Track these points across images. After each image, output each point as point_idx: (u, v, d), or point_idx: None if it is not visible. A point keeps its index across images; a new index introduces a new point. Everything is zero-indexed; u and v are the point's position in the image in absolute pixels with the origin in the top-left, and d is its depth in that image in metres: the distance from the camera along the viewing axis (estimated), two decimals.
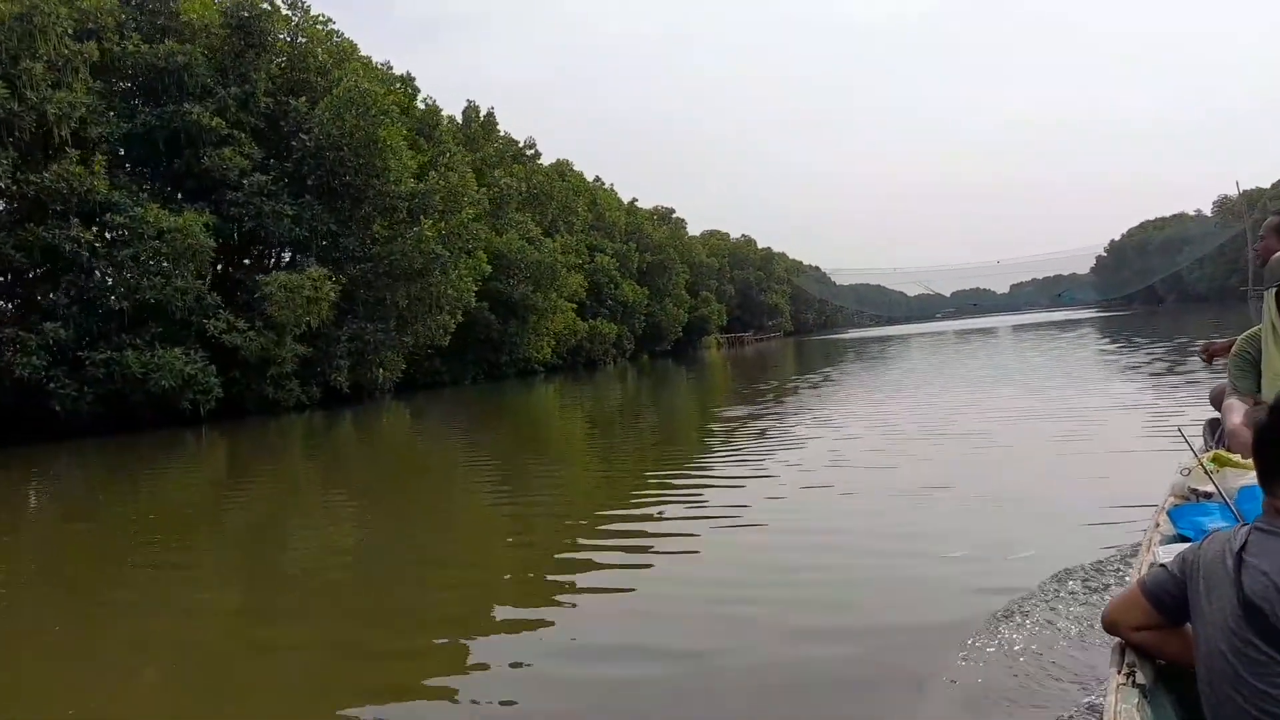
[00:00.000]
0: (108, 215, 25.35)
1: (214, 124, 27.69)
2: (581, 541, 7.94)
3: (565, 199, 55.30)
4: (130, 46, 26.90)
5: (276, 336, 28.19)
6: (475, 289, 36.71)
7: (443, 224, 31.89)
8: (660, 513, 8.81)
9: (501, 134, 56.08)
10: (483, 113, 53.05)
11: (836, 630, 4.91)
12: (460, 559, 8.19)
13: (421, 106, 43.96)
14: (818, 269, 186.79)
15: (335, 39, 33.98)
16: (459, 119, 52.59)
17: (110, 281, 25.31)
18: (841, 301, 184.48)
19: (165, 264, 25.84)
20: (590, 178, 71.86)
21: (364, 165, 30.27)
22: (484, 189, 44.33)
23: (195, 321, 26.96)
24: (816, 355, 55.26)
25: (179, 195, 28.36)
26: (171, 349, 25.83)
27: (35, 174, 24.12)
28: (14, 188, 23.75)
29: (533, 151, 57.24)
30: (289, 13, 31.83)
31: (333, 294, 28.22)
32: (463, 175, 33.59)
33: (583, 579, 6.60)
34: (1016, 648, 4.16)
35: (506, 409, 31.09)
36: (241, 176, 28.35)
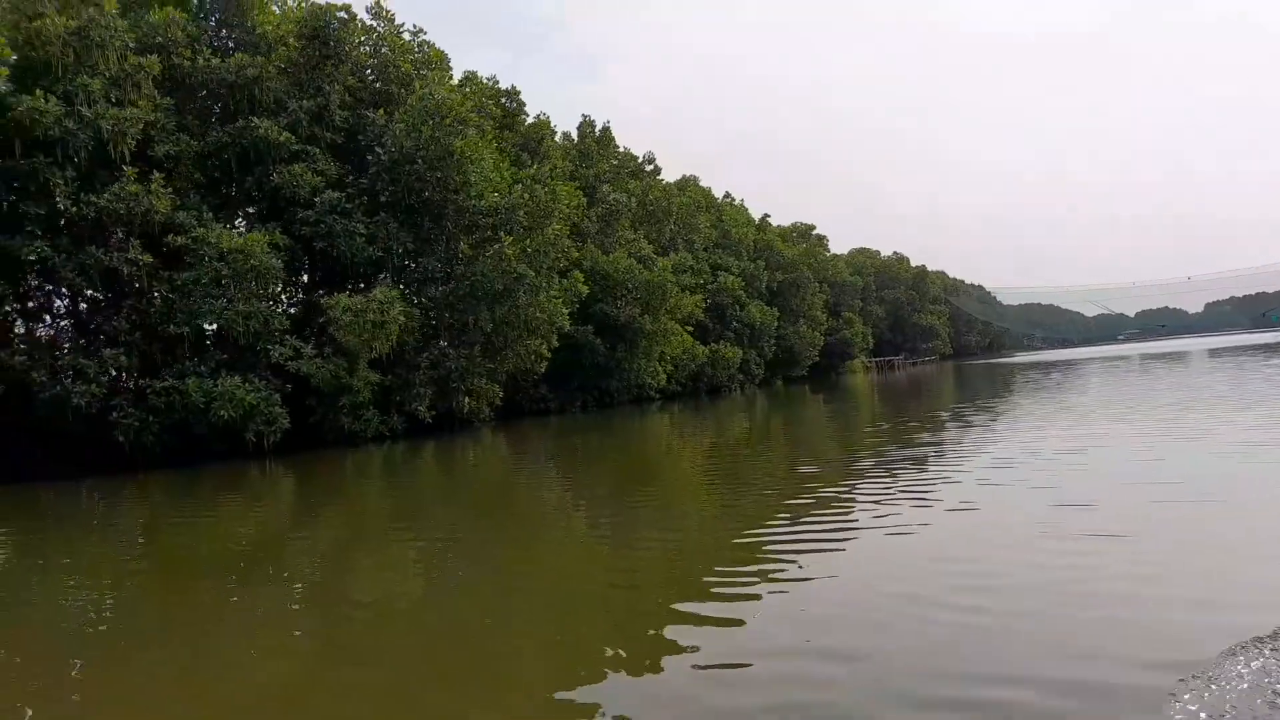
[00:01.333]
0: (170, 236, 24.21)
1: (283, 139, 26.26)
2: (685, 591, 7.22)
3: (685, 215, 52.20)
4: (201, 61, 25.88)
5: (348, 363, 26.37)
6: (570, 311, 34.05)
7: (528, 241, 29.36)
8: (794, 563, 7.80)
9: (621, 149, 53.78)
10: (599, 127, 50.79)
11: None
12: (546, 604, 7.50)
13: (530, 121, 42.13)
14: (980, 288, 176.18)
15: (423, 49, 32.33)
16: (574, 134, 50.68)
17: (171, 306, 24.08)
18: (1007, 323, 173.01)
19: (227, 287, 24.43)
20: (719, 194, 68.66)
21: (441, 179, 28.18)
22: (594, 206, 41.92)
23: (263, 348, 25.47)
24: (979, 381, 49.85)
25: (249, 215, 27.07)
26: (232, 377, 24.34)
27: (96, 195, 23.20)
28: (74, 209, 22.89)
29: (651, 167, 54.60)
30: (372, 23, 30.38)
31: (401, 317, 26.08)
32: (552, 189, 30.99)
33: (690, 635, 5.91)
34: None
35: (613, 438, 28.83)
36: (313, 194, 26.81)
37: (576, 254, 34.10)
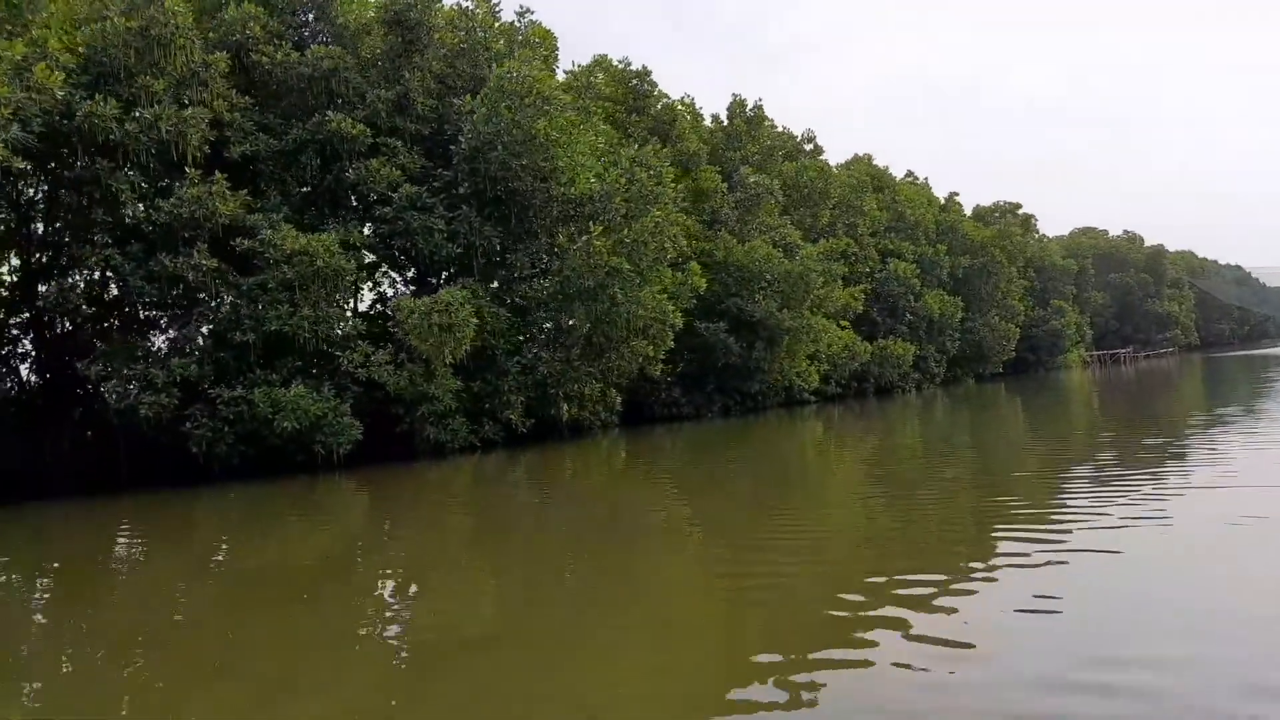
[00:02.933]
0: (238, 240, 23.24)
1: (356, 132, 24.70)
2: (821, 633, 6.92)
3: (847, 197, 47.14)
4: (280, 56, 24.80)
5: (425, 369, 24.50)
6: (688, 307, 30.68)
7: (626, 231, 26.26)
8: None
9: (779, 129, 49.50)
10: (749, 106, 46.80)
11: None
12: (643, 641, 7.26)
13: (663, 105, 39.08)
14: (1237, 268, 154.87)
15: (526, 29, 29.98)
16: (724, 116, 47.01)
17: (239, 312, 23.09)
18: (1270, 309, 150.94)
19: (294, 291, 23.16)
20: (900, 174, 62.39)
21: (527, 167, 25.65)
22: (733, 191, 38.29)
23: (335, 355, 24.09)
24: (1227, 377, 42.38)
25: (325, 214, 25.76)
26: (297, 386, 23.06)
27: (164, 200, 22.56)
28: (142, 214, 22.36)
29: (811, 146, 49.81)
30: (466, 3, 28.36)
31: (474, 319, 23.79)
32: (657, 173, 27.67)
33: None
34: None
35: (746, 446, 26.83)
36: (392, 189, 25.12)
37: (689, 243, 30.50)
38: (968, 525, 11.36)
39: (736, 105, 46.84)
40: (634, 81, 39.05)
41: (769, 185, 38.43)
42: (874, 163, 58.89)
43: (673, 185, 28.45)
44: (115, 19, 21.71)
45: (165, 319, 24.29)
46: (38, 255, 24.23)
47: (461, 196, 25.76)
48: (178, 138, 22.14)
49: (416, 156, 26.27)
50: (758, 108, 47.03)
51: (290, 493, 21.18)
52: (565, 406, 27.97)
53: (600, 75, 39.48)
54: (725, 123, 46.73)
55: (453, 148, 25.84)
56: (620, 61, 39.58)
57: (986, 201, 72.20)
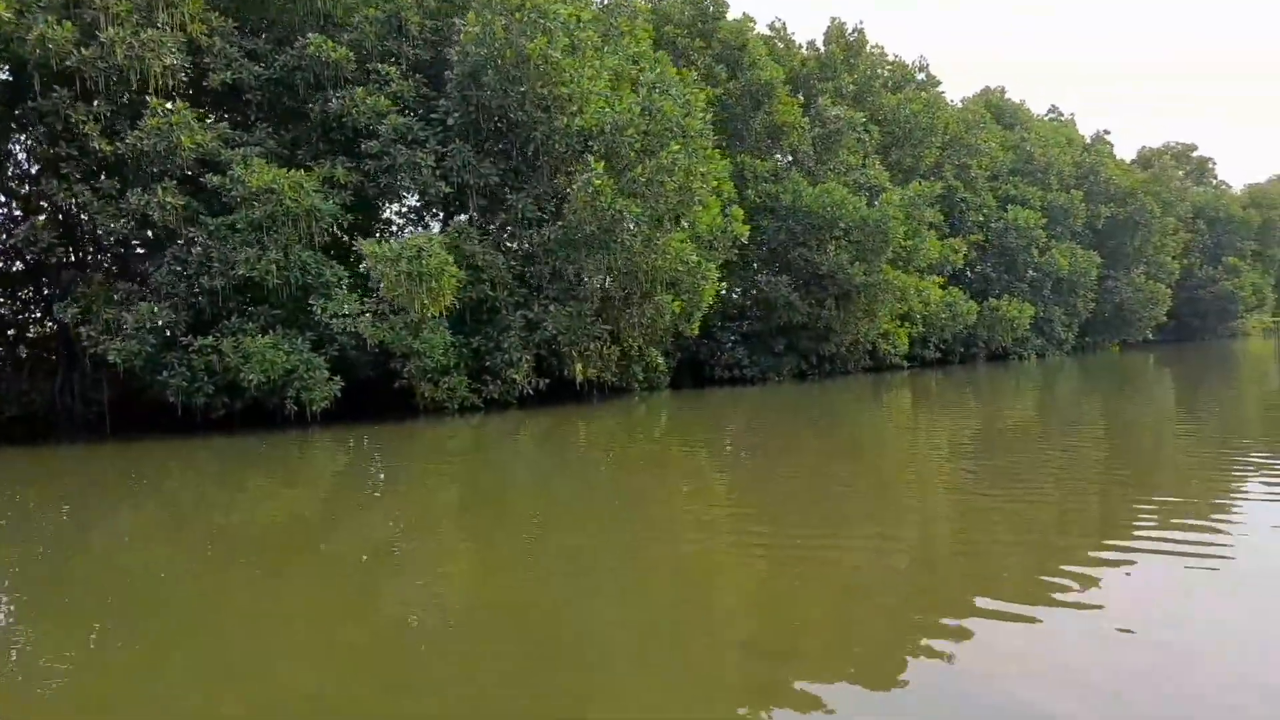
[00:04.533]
0: (207, 176, 21.52)
1: (336, 55, 22.35)
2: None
3: (960, 134, 41.39)
4: None
5: (412, 322, 22.22)
6: (725, 258, 27.01)
7: (639, 169, 22.82)
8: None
9: (890, 58, 44.13)
10: (850, 31, 41.63)
11: None
12: (635, 625, 6.89)
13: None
14: None
15: None
16: (820, 43, 42.08)
17: (211, 255, 21.42)
18: None
19: (263, 232, 21.27)
20: (1042, 110, 55.08)
21: (526, 94, 22.59)
22: (814, 127, 33.99)
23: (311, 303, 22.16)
24: None
25: (320, 150, 23.67)
26: (262, 335, 21.30)
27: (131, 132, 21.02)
28: (108, 149, 20.91)
29: (924, 75, 44.04)
30: None
31: (449, 267, 21.18)
32: (680, 100, 23.93)
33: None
34: None
35: (812, 416, 23.73)
36: (377, 120, 22.72)
37: (751, 185, 26.53)
38: (1085, 527, 9.74)
39: (834, 30, 41.78)
40: (704, 3, 35.00)
41: (851, 119, 33.68)
42: (1006, 96, 52.08)
43: (702, 115, 24.58)
44: None
45: (139, 261, 23.00)
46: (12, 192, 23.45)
47: (455, 129, 23.03)
48: (135, 63, 20.43)
49: (414, 85, 23.71)
50: (858, 32, 41.81)
51: (264, 449, 19.81)
52: (579, 366, 25.10)
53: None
54: (820, 50, 41.84)
55: (447, 74, 23.07)
56: None
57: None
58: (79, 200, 21.42)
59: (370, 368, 24.90)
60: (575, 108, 22.79)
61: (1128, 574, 7.74)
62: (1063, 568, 7.83)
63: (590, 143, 23.36)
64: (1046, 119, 54.97)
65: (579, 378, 25.44)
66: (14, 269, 26.09)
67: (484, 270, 23.40)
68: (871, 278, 31.18)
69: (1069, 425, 19.90)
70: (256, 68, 23.02)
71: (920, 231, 33.93)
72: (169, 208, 20.99)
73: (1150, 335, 53.80)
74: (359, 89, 22.79)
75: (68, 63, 20.10)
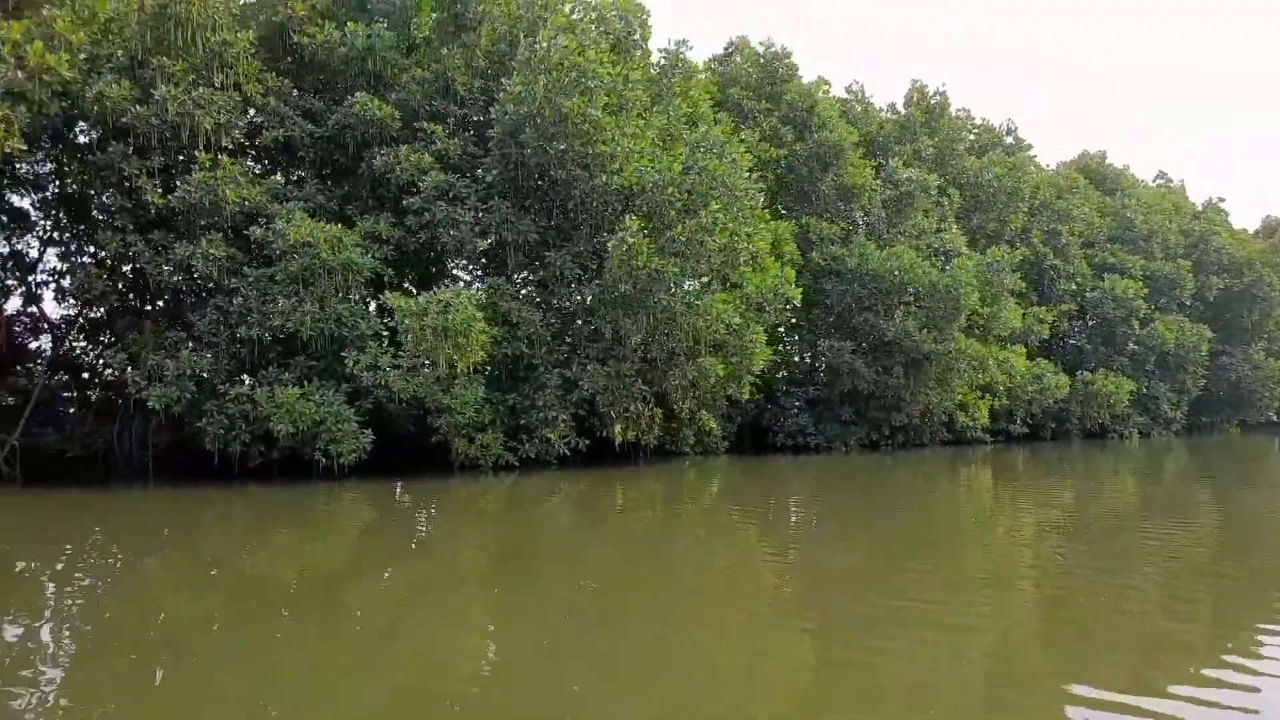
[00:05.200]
0: (251, 229, 21.94)
1: (382, 114, 22.65)
2: None
3: (1052, 199, 39.30)
4: (321, 37, 23.34)
5: (440, 377, 21.90)
6: (775, 322, 25.86)
7: (679, 229, 22.11)
8: None
9: (978, 121, 42.72)
10: (931, 94, 40.47)
11: None
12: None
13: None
14: None
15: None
16: (900, 106, 41.04)
17: (250, 305, 21.73)
18: None
19: (300, 285, 21.46)
20: (1147, 176, 52.10)
21: (565, 152, 22.33)
22: (887, 189, 32.88)
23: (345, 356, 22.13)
24: None
25: (369, 205, 23.95)
26: (293, 387, 21.31)
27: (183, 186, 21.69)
28: (159, 201, 21.58)
29: (1011, 139, 42.25)
30: None
31: (477, 323, 20.79)
32: (730, 161, 23.20)
33: None
34: None
35: (875, 490, 22.34)
36: (419, 176, 22.83)
37: (775, 245, 25.45)
38: (1192, 627, 8.45)
39: (915, 92, 40.68)
40: (773, 65, 34.55)
41: (924, 181, 32.29)
42: (1107, 161, 49.50)
43: (748, 175, 23.75)
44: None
45: (188, 310, 23.52)
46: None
47: (496, 186, 22.93)
48: (186, 120, 21.14)
49: (460, 144, 23.81)
50: (941, 95, 40.58)
51: (292, 500, 19.67)
52: (618, 427, 24.24)
53: (738, 59, 35.43)
54: (900, 112, 40.75)
55: (489, 133, 23.08)
56: (762, 44, 35.24)
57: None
58: (133, 250, 22.15)
59: (410, 422, 24.73)
60: (616, 166, 22.35)
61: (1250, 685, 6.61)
62: (1168, 682, 6.74)
63: (632, 201, 22.84)
64: (1153, 185, 51.93)
65: (618, 439, 24.57)
66: (95, 315, 27.16)
67: (519, 327, 22.97)
68: (942, 346, 29.39)
69: (1174, 512, 17.78)
70: (310, 125, 23.58)
71: (999, 298, 31.96)
72: (212, 259, 21.43)
73: (1275, 416, 49.24)
74: (404, 146, 23.00)
75: (124, 119, 20.95)
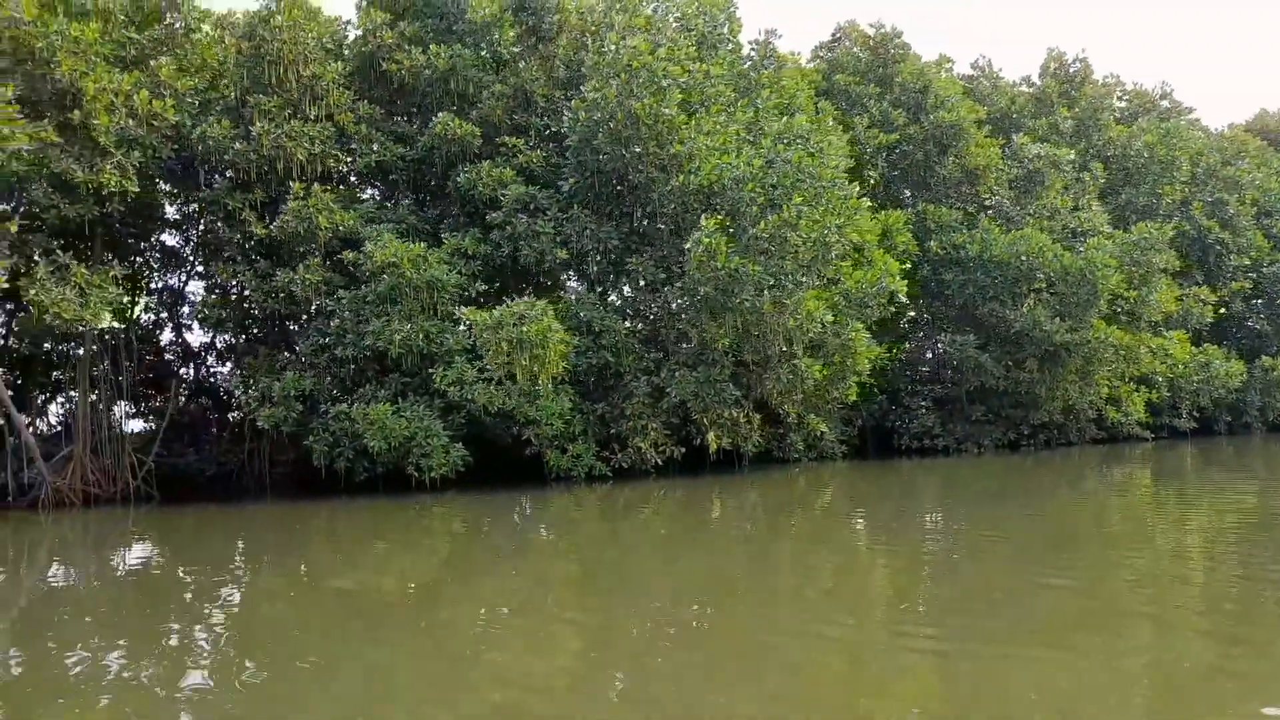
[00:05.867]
0: (344, 253, 22.74)
1: (462, 132, 22.94)
2: None
3: (1216, 166, 35.20)
4: (407, 62, 23.96)
5: (524, 389, 21.91)
6: (878, 316, 24.23)
7: (761, 226, 21.11)
8: None
9: (1128, 85, 39.12)
10: (1070, 62, 37.25)
11: None
12: None
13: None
14: None
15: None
16: (1036, 76, 38.06)
17: (346, 326, 22.54)
18: None
19: (388, 305, 22.04)
20: None
21: (640, 155, 21.84)
22: (1014, 167, 30.62)
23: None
24: None
25: (449, 222, 24.35)
26: (385, 404, 21.87)
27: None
28: (261, 231, 22.77)
29: (1167, 103, 38.23)
30: None
31: (554, 333, 20.61)
32: (817, 150, 21.98)
33: None
34: None
35: (1002, 495, 20.09)
36: (500, 191, 22.96)
37: (884, 236, 23.78)
38: None
39: (1051, 61, 37.55)
40: (884, 47, 32.73)
41: (1054, 156, 29.58)
42: None
43: (835, 165, 22.38)
44: (228, 41, 22.41)
45: (293, 334, 24.67)
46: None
47: (574, 195, 22.74)
48: (280, 153, 22.17)
49: (542, 155, 23.81)
50: (1081, 61, 37.26)
51: (387, 513, 20.10)
52: (712, 434, 23.47)
53: (845, 43, 33.81)
54: (1036, 84, 37.73)
55: (567, 142, 22.92)
56: (871, 26, 33.47)
57: None
58: (240, 279, 23.47)
59: (506, 435, 24.93)
60: (694, 165, 21.65)
61: None
62: None
63: (713, 200, 22.06)
64: None
65: (713, 446, 23.77)
66: (234, 342, 29.03)
67: (603, 336, 22.66)
68: (1078, 335, 26.73)
69: None
70: (400, 148, 24.23)
71: (1149, 280, 28.81)
72: (308, 284, 22.36)
73: None
74: (485, 162, 23.22)
75: (226, 156, 22.22)
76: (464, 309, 21.24)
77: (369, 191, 25.60)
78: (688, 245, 20.92)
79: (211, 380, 29.77)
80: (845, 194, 22.42)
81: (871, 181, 31.04)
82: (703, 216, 20.94)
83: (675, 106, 21.66)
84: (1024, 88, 38.16)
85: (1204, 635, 7.65)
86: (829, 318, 21.97)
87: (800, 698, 6.44)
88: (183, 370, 30.16)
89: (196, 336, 29.37)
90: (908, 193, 32.17)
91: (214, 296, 24.63)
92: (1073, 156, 30.76)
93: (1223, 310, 34.49)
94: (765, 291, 21.27)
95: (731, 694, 6.51)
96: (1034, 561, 11.46)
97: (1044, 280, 27.59)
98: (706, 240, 20.39)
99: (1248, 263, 35.28)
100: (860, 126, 30.49)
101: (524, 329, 20.32)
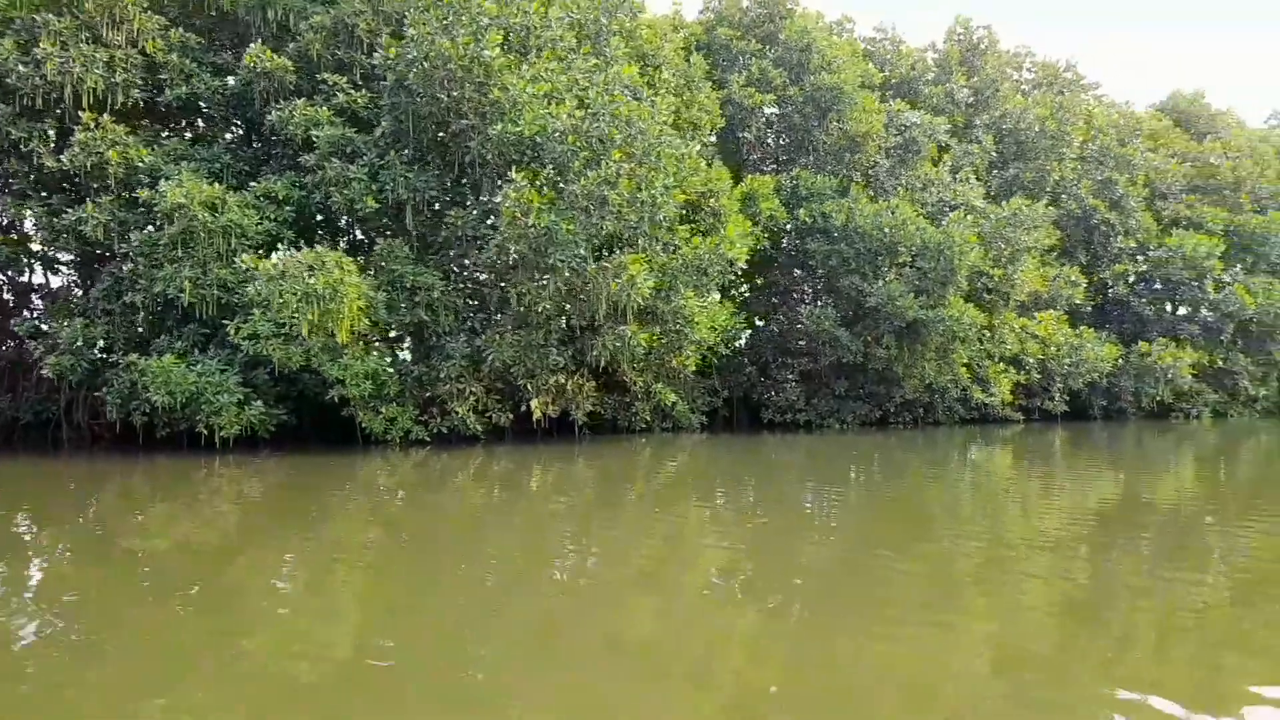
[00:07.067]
0: (137, 192, 21.05)
1: (273, 65, 21.25)
2: None
3: (1111, 145, 34.47)
4: None
5: (328, 346, 20.57)
6: (715, 282, 23.16)
7: (581, 182, 19.81)
8: None
9: (1037, 58, 38.17)
10: (974, 31, 36.16)
11: None
12: None
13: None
14: None
15: None
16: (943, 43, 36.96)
17: (137, 271, 20.94)
18: None
19: (178, 249, 20.47)
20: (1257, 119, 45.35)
21: (459, 100, 20.37)
22: (894, 136, 29.56)
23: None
24: None
25: (271, 163, 22.75)
26: (172, 356, 20.40)
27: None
28: (52, 165, 20.97)
29: (1070, 74, 37.35)
30: None
31: (353, 285, 19.25)
32: (649, 106, 20.65)
33: None
34: None
35: (859, 472, 19.08)
36: (312, 131, 21.35)
37: (685, 196, 22.32)
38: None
39: (958, 27, 36.42)
40: (774, 2, 31.29)
41: (929, 126, 28.55)
42: (1205, 101, 43.35)
43: (665, 120, 21.09)
44: None
45: (87, 277, 23.02)
46: None
47: (389, 140, 21.23)
48: (67, 79, 20.33)
49: (368, 96, 22.19)
50: (987, 30, 36.18)
51: (188, 472, 18.56)
52: (535, 401, 22.37)
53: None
54: (938, 51, 36.64)
55: (383, 82, 21.34)
56: None
57: None
58: (31, 215, 21.72)
59: (324, 395, 23.63)
60: (517, 114, 20.22)
61: None
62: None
63: (539, 153, 20.69)
64: (1263, 127, 45.26)
65: (537, 413, 22.68)
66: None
67: (418, 293, 21.33)
68: (934, 312, 25.92)
69: (1237, 506, 14.50)
70: (215, 82, 22.46)
71: (1017, 258, 28.05)
72: (96, 223, 20.68)
73: None
74: (300, 100, 21.57)
75: (8, 80, 20.34)
76: (246, 256, 19.68)
77: (181, 127, 23.77)
78: (498, 199, 19.57)
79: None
80: (679, 153, 21.16)
81: (746, 143, 29.87)
82: (512, 169, 19.56)
83: (497, 49, 20.16)
84: (930, 54, 37.05)
85: (1052, 616, 7.50)
86: (650, 283, 20.80)
87: (608, 678, 6.06)
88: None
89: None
90: (785, 157, 30.99)
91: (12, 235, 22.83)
92: (948, 126, 29.76)
93: (1099, 295, 34.01)
94: (587, 253, 20.08)
95: (529, 672, 6.13)
96: (875, 543, 10.86)
97: (908, 254, 26.69)
98: (514, 194, 19.07)
99: (1134, 245, 34.74)
100: (736, 84, 29.18)
101: (312, 281, 18.90)
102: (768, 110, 30.99)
